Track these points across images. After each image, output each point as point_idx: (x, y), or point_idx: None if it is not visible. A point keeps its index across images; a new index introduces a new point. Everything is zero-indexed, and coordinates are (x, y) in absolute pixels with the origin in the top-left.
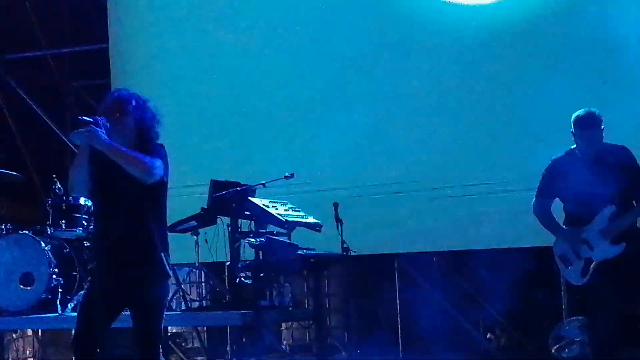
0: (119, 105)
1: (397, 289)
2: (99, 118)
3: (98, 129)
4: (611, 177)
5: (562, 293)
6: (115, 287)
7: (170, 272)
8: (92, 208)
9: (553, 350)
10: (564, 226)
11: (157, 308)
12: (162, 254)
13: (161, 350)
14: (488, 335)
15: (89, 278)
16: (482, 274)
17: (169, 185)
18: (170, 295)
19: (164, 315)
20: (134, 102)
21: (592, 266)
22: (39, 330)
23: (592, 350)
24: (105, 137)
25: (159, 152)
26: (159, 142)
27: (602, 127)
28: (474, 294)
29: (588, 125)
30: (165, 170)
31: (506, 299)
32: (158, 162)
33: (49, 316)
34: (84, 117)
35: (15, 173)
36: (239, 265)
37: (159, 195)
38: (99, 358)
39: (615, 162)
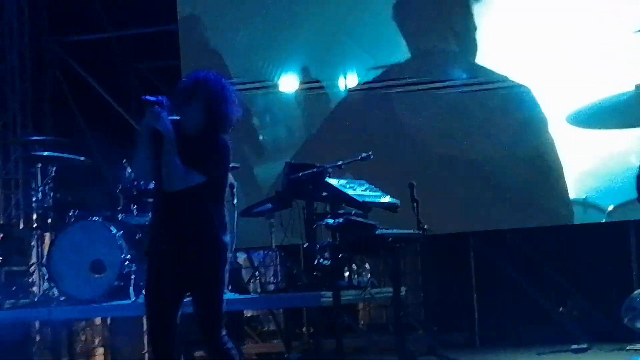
0: (191, 89)
1: (472, 267)
2: (162, 98)
3: (161, 109)
4: None
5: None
6: (177, 270)
7: (229, 257)
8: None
9: (625, 321)
10: None
11: (216, 291)
12: (221, 239)
13: (225, 332)
14: (561, 309)
15: (148, 260)
16: (552, 249)
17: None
18: (247, 279)
19: (224, 298)
20: (208, 87)
21: None
22: (108, 319)
23: None
24: (167, 120)
25: (216, 150)
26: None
27: None
28: (547, 269)
29: None
30: (219, 168)
31: (577, 272)
32: (190, 176)
33: (122, 303)
34: (147, 97)
35: (81, 157)
36: (317, 247)
37: (217, 185)
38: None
39: None
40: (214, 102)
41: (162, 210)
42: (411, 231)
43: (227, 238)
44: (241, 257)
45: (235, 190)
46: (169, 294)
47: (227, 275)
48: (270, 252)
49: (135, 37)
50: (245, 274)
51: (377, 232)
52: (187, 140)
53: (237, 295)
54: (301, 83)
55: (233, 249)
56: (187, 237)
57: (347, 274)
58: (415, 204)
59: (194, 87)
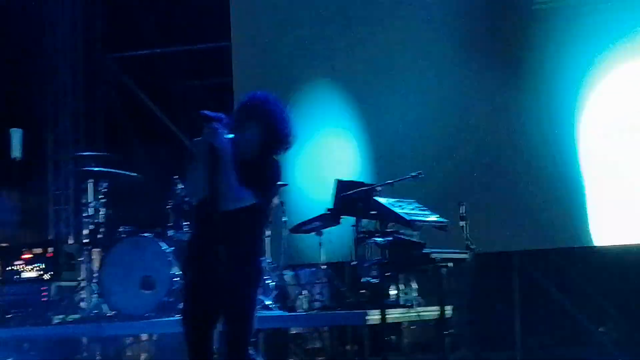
0: (250, 109)
1: (516, 285)
2: (221, 115)
3: (220, 126)
4: None
5: None
6: (212, 287)
7: (263, 280)
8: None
9: None
10: None
11: (246, 312)
12: (258, 263)
13: (252, 349)
14: (600, 329)
15: (187, 275)
16: (594, 269)
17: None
18: (293, 296)
19: (255, 320)
20: (266, 109)
21: None
22: (154, 335)
23: None
24: (224, 137)
25: (270, 172)
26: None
27: None
28: (588, 289)
29: None
30: (271, 191)
31: (618, 292)
32: (244, 197)
33: (171, 320)
34: (206, 112)
35: (133, 174)
36: (365, 265)
37: (264, 208)
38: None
39: None
40: (272, 124)
41: (205, 227)
42: (458, 250)
43: (264, 262)
44: (288, 275)
45: (284, 207)
46: (204, 310)
47: (256, 298)
48: (317, 270)
49: (188, 53)
50: (291, 292)
51: (424, 251)
52: (243, 160)
53: (283, 313)
54: None
55: (281, 266)
56: (228, 256)
57: (394, 292)
58: (464, 223)
59: (253, 108)
